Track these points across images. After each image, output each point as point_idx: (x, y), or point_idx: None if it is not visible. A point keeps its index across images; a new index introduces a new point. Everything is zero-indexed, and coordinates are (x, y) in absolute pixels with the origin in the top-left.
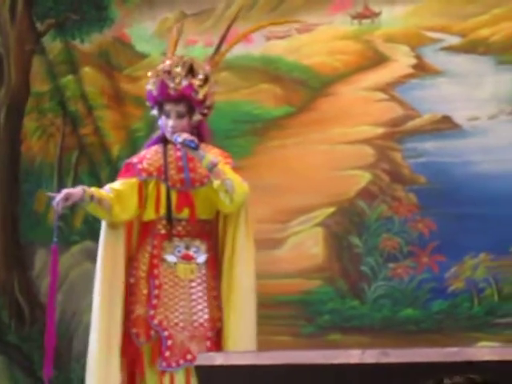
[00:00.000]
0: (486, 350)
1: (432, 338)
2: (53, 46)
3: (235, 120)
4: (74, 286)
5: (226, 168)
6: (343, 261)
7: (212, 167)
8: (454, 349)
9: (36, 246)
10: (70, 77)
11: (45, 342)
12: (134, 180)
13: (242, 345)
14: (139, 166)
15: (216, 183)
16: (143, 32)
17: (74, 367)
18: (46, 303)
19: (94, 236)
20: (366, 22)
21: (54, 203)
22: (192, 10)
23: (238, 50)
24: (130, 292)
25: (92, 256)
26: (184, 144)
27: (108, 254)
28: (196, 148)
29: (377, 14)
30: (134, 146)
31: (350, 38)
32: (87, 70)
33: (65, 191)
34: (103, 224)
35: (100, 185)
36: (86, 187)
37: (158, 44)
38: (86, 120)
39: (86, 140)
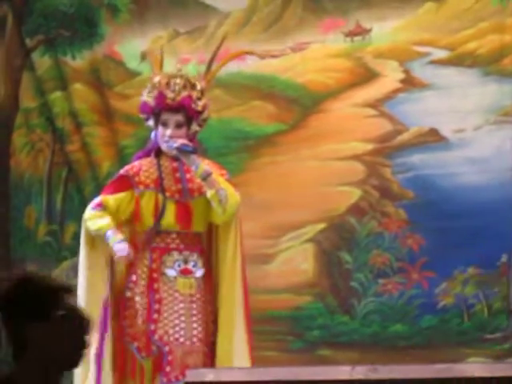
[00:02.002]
0: (476, 366)
1: (422, 354)
2: (41, 62)
3: (227, 137)
4: None
5: (219, 178)
6: (333, 277)
7: (206, 176)
8: (445, 365)
9: (26, 261)
10: (58, 93)
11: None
12: (126, 193)
13: (240, 359)
14: (136, 179)
15: (210, 192)
16: (134, 50)
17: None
18: None
19: None
20: (357, 39)
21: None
22: (184, 27)
23: (230, 68)
24: (125, 306)
25: None
26: (180, 149)
27: (88, 273)
28: (193, 151)
29: (368, 31)
30: (123, 163)
31: (341, 56)
32: (78, 87)
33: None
34: (82, 242)
35: (84, 201)
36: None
37: (149, 61)
38: (74, 137)
39: (73, 156)
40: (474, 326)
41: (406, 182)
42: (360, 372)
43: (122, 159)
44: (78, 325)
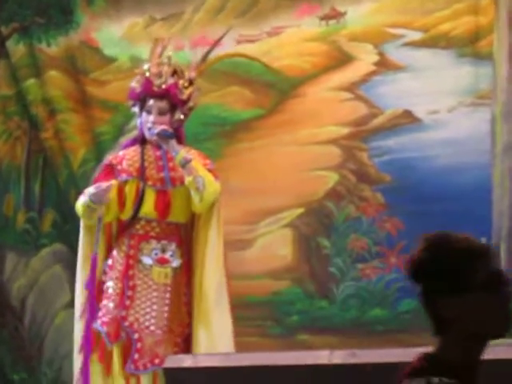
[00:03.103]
0: None
1: (400, 338)
2: (16, 49)
3: (204, 123)
4: (45, 289)
5: (198, 165)
6: (312, 262)
7: (185, 163)
8: (424, 349)
9: (6, 249)
10: (32, 80)
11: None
12: (113, 182)
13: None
14: (119, 168)
15: (188, 179)
16: (111, 36)
17: (45, 371)
18: (16, 306)
19: (64, 239)
20: (332, 22)
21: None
22: (160, 14)
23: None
24: (100, 290)
25: (62, 259)
26: (159, 134)
27: (86, 256)
28: (171, 136)
29: (342, 14)
30: (99, 150)
31: (317, 40)
32: (53, 74)
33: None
34: (81, 226)
35: (59, 189)
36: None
37: (126, 48)
38: (47, 124)
39: (47, 144)
40: None
41: (383, 166)
42: (339, 357)
43: (98, 146)
44: (504, 292)
